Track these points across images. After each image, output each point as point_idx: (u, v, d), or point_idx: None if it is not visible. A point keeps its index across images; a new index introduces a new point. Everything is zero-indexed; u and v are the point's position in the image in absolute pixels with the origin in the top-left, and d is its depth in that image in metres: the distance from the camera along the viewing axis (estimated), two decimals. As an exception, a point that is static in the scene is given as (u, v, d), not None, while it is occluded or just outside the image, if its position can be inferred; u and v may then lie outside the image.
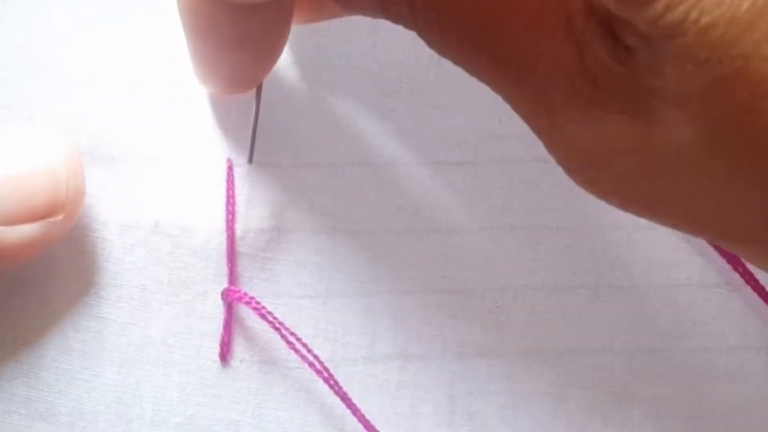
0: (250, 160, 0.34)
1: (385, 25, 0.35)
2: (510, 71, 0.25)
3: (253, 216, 0.34)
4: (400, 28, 0.30)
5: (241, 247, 0.34)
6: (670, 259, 0.36)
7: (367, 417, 0.34)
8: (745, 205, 0.22)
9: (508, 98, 0.25)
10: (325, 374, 0.34)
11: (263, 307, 0.34)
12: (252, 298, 0.34)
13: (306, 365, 0.34)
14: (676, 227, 0.25)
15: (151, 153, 0.34)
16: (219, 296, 0.34)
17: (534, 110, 0.25)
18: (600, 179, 0.24)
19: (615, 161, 0.23)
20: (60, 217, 0.31)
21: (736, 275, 0.36)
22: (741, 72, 0.20)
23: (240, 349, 0.34)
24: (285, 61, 0.35)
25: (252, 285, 0.34)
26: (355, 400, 0.34)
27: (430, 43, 0.26)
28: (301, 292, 0.35)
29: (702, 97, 0.21)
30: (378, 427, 0.34)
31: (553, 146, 0.25)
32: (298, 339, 0.34)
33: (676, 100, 0.22)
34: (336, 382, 0.34)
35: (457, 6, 0.25)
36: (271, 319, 0.33)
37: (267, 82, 0.33)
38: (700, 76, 0.21)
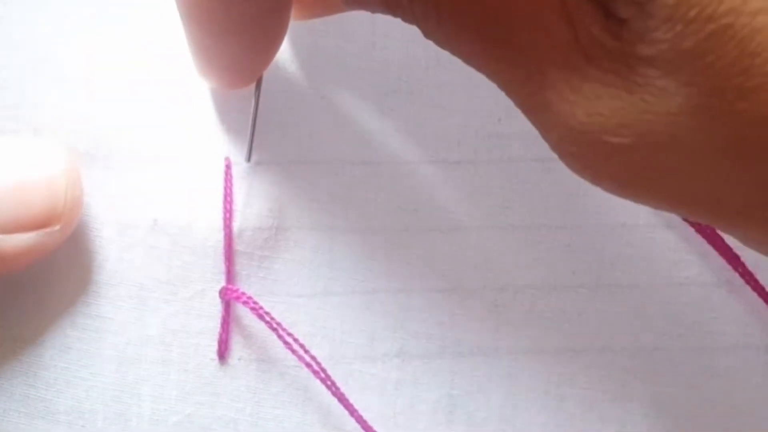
0: (248, 159, 0.34)
1: (384, 25, 0.35)
2: (505, 53, 0.25)
3: (250, 214, 0.34)
4: (399, 27, 0.30)
5: (239, 245, 0.34)
6: (669, 258, 0.36)
7: (366, 416, 0.34)
8: (741, 177, 0.22)
9: (504, 82, 0.25)
10: (322, 375, 0.34)
11: (260, 307, 0.34)
12: (249, 297, 0.34)
13: (303, 365, 0.34)
14: (671, 208, 0.25)
15: (149, 152, 0.34)
16: (217, 294, 0.34)
17: (528, 91, 0.25)
18: (595, 161, 0.24)
19: (609, 139, 0.23)
20: (57, 227, 0.31)
21: (736, 275, 0.36)
22: (731, 28, 0.20)
23: (238, 348, 0.34)
24: (284, 61, 0.35)
25: (250, 283, 0.34)
26: (353, 399, 0.34)
27: (428, 33, 0.26)
28: (299, 291, 0.35)
29: (694, 59, 0.21)
30: (377, 426, 0.34)
31: (547, 129, 0.25)
32: (295, 339, 0.34)
33: (668, 66, 0.22)
34: (333, 383, 0.34)
35: None
36: (268, 319, 0.33)
37: (265, 81, 0.33)
38: (690, 37, 0.21)
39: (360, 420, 0.34)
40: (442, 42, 0.26)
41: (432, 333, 0.35)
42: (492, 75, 0.26)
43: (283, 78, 0.35)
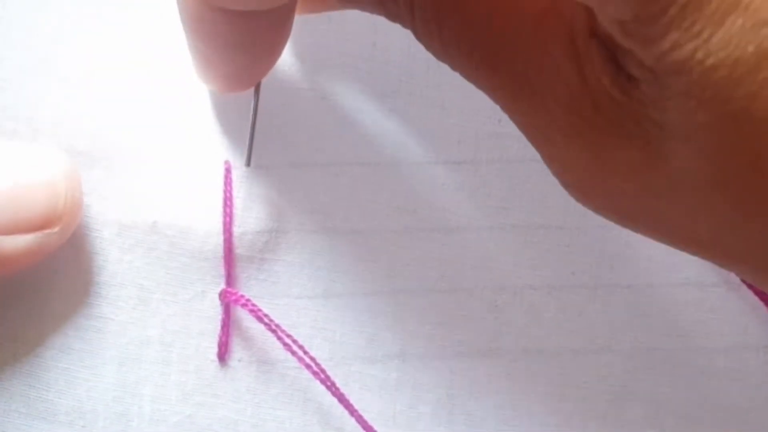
0: (248, 163, 0.34)
1: (384, 25, 0.35)
2: (510, 82, 0.24)
3: (250, 217, 0.34)
4: (399, 27, 0.30)
5: (239, 249, 0.34)
6: (668, 258, 0.36)
7: (366, 417, 0.34)
8: (744, 234, 0.22)
9: (507, 109, 0.25)
10: (322, 376, 0.34)
11: (259, 310, 0.34)
12: (248, 300, 0.34)
13: (303, 366, 0.34)
14: (671, 245, 0.25)
15: (149, 153, 0.34)
16: (217, 296, 0.34)
17: (532, 124, 0.25)
18: (596, 197, 0.24)
19: (612, 183, 0.23)
20: (56, 229, 0.32)
21: (734, 275, 0.36)
22: (746, 111, 0.20)
23: (238, 349, 0.34)
24: (284, 61, 0.35)
25: (249, 286, 0.34)
26: (353, 400, 0.34)
27: (429, 47, 0.26)
28: (300, 292, 0.35)
29: (706, 133, 0.21)
30: (377, 427, 0.34)
31: (549, 160, 0.25)
32: (295, 341, 0.34)
33: (679, 133, 0.21)
34: (333, 384, 0.34)
35: (458, 11, 0.25)
36: (267, 321, 0.33)
37: (265, 82, 0.33)
38: (704, 114, 0.21)
39: (360, 420, 0.34)
40: (444, 58, 0.26)
41: (432, 333, 0.35)
42: (494, 98, 0.25)
43: (282, 79, 0.35)
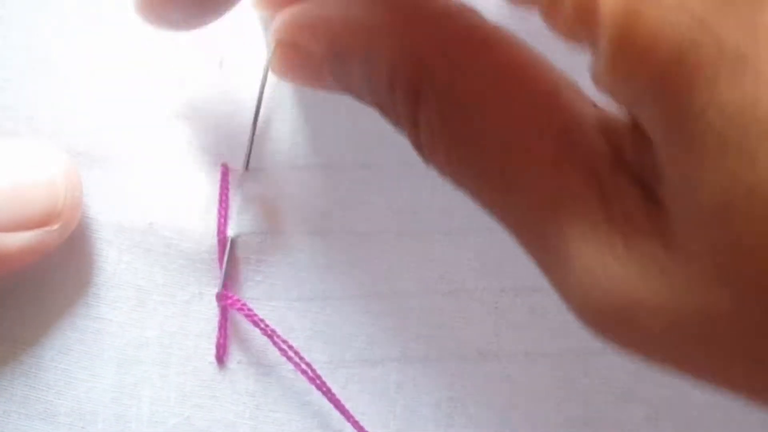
0: (246, 167, 0.34)
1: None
2: (524, 214, 0.23)
3: (246, 219, 0.34)
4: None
5: (236, 251, 0.34)
6: (670, 259, 0.36)
7: (366, 419, 0.34)
8: None
9: (519, 236, 0.24)
10: (318, 381, 0.34)
11: (255, 314, 0.34)
12: (244, 304, 0.34)
13: (299, 372, 0.34)
14: (702, 385, 0.23)
15: (148, 154, 0.34)
16: (214, 298, 0.34)
17: (550, 257, 0.24)
18: (620, 334, 0.23)
19: (637, 318, 0.22)
20: (56, 227, 0.32)
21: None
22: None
23: (236, 351, 0.34)
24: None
25: (247, 288, 0.34)
26: (353, 403, 0.34)
27: (433, 167, 0.25)
28: (298, 295, 0.35)
29: (736, 255, 0.20)
30: (376, 430, 0.34)
31: (565, 291, 0.24)
32: (290, 346, 0.34)
33: (708, 260, 0.20)
34: (329, 389, 0.34)
35: (469, 140, 0.24)
36: (263, 326, 0.33)
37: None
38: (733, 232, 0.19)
39: (356, 425, 0.34)
40: (450, 182, 0.25)
41: (432, 336, 0.35)
42: (506, 227, 0.24)
43: (280, 80, 0.35)
